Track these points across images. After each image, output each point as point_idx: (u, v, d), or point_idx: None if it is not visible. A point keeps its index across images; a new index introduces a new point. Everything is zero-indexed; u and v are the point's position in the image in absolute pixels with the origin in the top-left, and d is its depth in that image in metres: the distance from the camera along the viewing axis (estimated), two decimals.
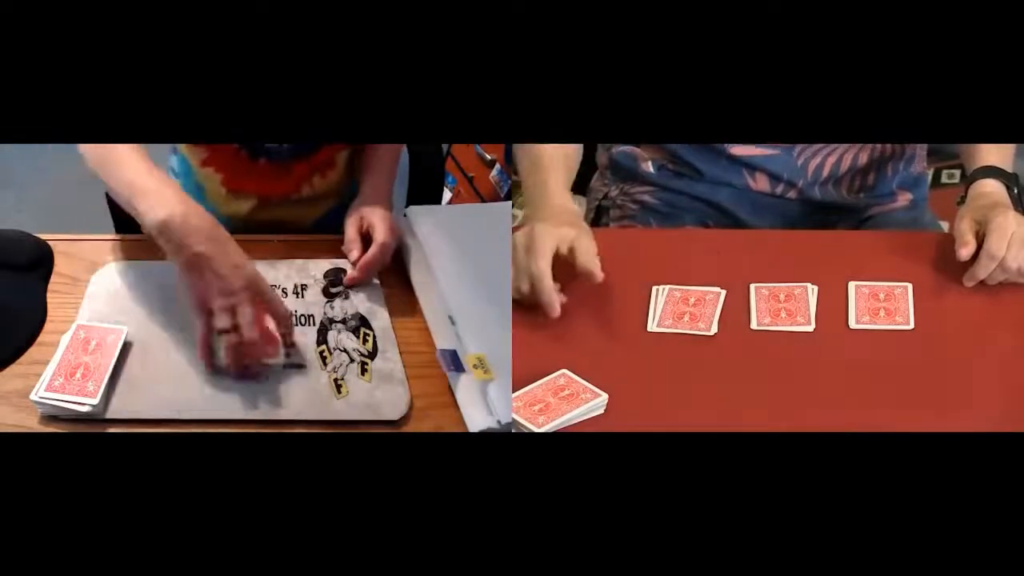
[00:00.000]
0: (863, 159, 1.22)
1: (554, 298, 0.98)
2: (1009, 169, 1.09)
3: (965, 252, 1.01)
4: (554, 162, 1.11)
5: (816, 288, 1.01)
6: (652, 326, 0.98)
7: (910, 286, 1.01)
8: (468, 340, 1.03)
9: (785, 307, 0.99)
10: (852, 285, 1.01)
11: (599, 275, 0.99)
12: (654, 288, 1.02)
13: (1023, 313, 0.99)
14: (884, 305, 0.99)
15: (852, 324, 0.98)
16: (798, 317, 0.98)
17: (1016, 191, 1.07)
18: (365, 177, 1.30)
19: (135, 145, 1.02)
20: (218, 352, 0.97)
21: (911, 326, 0.97)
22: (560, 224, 1.01)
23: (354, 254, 1.16)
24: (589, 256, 0.99)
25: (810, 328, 0.97)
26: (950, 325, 0.98)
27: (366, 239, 1.18)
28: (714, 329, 0.97)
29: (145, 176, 0.99)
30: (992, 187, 1.07)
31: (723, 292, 1.01)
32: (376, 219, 1.18)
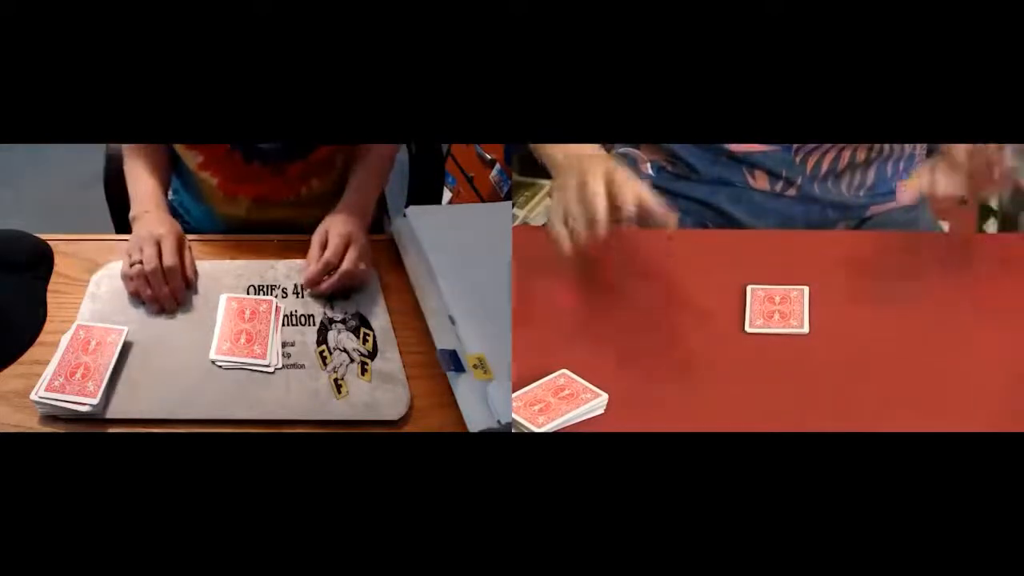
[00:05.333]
0: (861, 155, 1.23)
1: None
2: None
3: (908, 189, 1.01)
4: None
5: (807, 289, 1.01)
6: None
7: (806, 289, 1.01)
8: (468, 340, 1.03)
9: (779, 309, 0.99)
10: (749, 288, 1.01)
11: (673, 217, 0.98)
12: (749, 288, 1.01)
13: (1019, 312, 0.99)
14: (779, 308, 0.99)
15: (747, 328, 0.97)
16: (791, 320, 0.98)
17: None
18: (347, 187, 1.29)
19: (148, 167, 1.27)
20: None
21: (805, 330, 0.97)
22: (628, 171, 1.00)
23: (309, 268, 1.14)
24: (658, 201, 0.97)
25: (804, 331, 0.97)
26: (950, 324, 0.98)
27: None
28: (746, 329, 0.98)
29: (141, 188, 1.25)
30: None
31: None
32: (333, 235, 1.16)
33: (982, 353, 0.94)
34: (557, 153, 1.07)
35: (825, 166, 1.22)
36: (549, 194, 1.09)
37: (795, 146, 1.21)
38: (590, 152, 1.05)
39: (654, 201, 0.98)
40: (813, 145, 1.21)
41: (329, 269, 1.13)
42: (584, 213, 0.97)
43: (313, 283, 1.13)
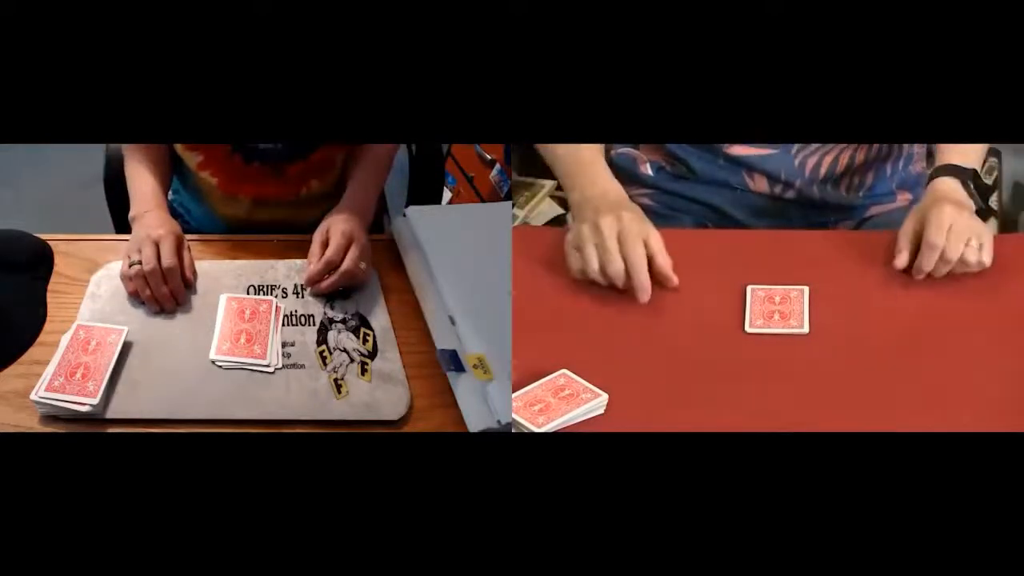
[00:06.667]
0: (860, 157, 1.23)
1: (649, 282, 1.00)
2: (972, 165, 1.08)
3: (898, 262, 1.01)
4: (595, 153, 1.13)
5: (808, 289, 1.01)
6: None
7: (806, 289, 1.01)
8: (468, 340, 1.03)
9: (779, 309, 0.99)
10: (749, 288, 1.01)
11: (674, 279, 1.01)
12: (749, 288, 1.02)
13: (1021, 312, 0.99)
14: (779, 308, 0.99)
15: (747, 328, 0.98)
16: (791, 320, 0.98)
17: (973, 185, 1.06)
18: (347, 186, 1.29)
19: (149, 166, 1.26)
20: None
21: (805, 330, 0.97)
22: (641, 218, 1.03)
23: (310, 266, 1.15)
24: (666, 258, 1.01)
25: (804, 331, 0.97)
26: (950, 324, 0.98)
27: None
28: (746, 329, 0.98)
29: (140, 188, 1.24)
30: (943, 185, 1.06)
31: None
32: (335, 234, 1.15)
33: (982, 353, 0.94)
34: (573, 192, 1.10)
35: (824, 169, 1.22)
36: (571, 210, 1.12)
37: (794, 149, 1.21)
38: (602, 194, 1.08)
39: (662, 260, 1.01)
40: (812, 148, 1.21)
41: (330, 268, 1.13)
42: (605, 279, 1.01)
43: (314, 281, 1.13)
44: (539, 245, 1.10)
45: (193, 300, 1.12)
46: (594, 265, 1.01)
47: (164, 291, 1.09)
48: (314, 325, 1.10)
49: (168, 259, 1.10)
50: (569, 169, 1.12)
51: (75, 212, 1.59)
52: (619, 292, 1.01)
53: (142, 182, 1.24)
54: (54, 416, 0.95)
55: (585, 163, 1.11)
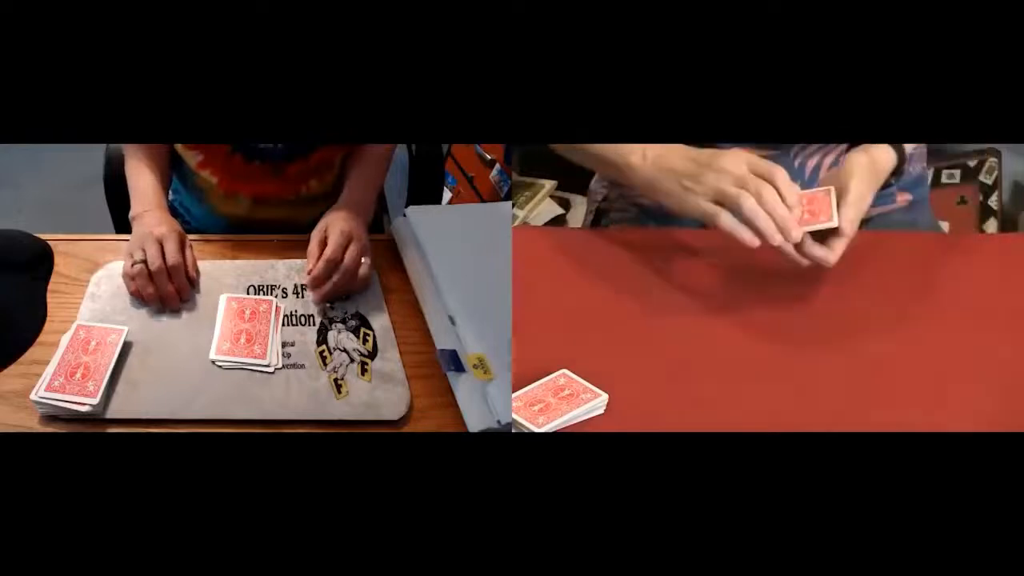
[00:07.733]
0: None
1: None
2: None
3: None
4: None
5: (834, 189, 1.00)
6: None
7: (832, 189, 1.00)
8: (468, 340, 1.03)
9: (808, 209, 0.98)
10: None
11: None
12: None
13: (1019, 312, 0.99)
14: (808, 208, 0.98)
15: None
16: (820, 216, 0.97)
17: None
18: (345, 185, 1.29)
19: (149, 166, 1.26)
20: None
21: (835, 223, 0.97)
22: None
23: (308, 266, 1.14)
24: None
25: (834, 224, 0.96)
26: (950, 324, 0.98)
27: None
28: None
29: (141, 187, 1.24)
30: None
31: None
32: (333, 232, 1.14)
33: (982, 353, 0.94)
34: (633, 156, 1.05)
35: (824, 171, 1.22)
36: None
37: (794, 150, 1.20)
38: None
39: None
40: (812, 149, 1.21)
41: (332, 266, 1.12)
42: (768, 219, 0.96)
43: (319, 282, 1.12)
44: (539, 245, 1.10)
45: (194, 300, 1.12)
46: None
47: (169, 289, 1.09)
48: (314, 325, 1.10)
49: (172, 257, 1.10)
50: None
51: (75, 212, 1.60)
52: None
53: (142, 181, 1.24)
54: (54, 416, 0.95)
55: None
